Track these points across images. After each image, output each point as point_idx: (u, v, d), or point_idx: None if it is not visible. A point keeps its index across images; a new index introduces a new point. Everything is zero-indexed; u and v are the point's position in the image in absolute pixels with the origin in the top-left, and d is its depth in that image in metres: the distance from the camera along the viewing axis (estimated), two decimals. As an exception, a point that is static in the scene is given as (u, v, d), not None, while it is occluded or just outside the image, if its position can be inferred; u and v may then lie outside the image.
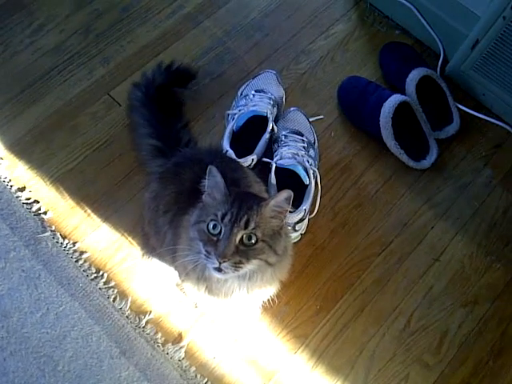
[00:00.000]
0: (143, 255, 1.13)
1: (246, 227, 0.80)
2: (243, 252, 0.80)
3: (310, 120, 1.34)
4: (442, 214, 1.30)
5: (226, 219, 0.80)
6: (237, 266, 0.80)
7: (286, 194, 0.81)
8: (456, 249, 1.26)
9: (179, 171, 1.00)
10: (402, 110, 1.30)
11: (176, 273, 1.00)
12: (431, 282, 1.23)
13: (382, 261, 1.24)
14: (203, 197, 0.85)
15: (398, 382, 1.13)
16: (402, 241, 1.26)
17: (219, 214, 0.80)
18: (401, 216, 1.29)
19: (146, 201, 1.06)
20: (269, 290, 0.90)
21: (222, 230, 0.80)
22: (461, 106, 1.39)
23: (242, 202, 0.82)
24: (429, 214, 1.30)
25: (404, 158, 1.32)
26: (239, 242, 0.80)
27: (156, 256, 1.08)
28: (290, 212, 0.87)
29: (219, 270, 0.80)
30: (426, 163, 1.33)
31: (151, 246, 1.07)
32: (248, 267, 0.82)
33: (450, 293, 1.22)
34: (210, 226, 0.81)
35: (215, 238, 0.80)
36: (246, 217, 0.80)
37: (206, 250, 0.80)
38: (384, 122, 1.30)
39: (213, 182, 0.83)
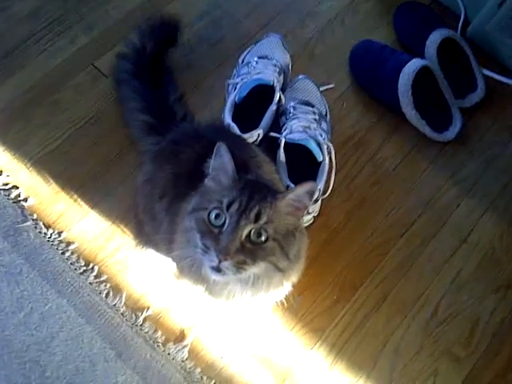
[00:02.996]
0: (137, 245, 1.00)
1: (256, 220, 0.67)
2: (249, 251, 0.67)
3: (320, 89, 1.20)
4: (467, 190, 1.18)
5: (233, 208, 0.67)
6: (240, 266, 0.67)
7: (309, 186, 0.68)
8: (484, 229, 1.15)
9: (177, 150, 0.87)
10: (421, 76, 1.17)
11: (174, 264, 0.87)
12: (459, 265, 1.11)
13: (404, 244, 1.12)
14: (206, 180, 0.73)
15: (427, 377, 1.02)
16: (425, 221, 1.15)
17: (225, 202, 0.68)
18: (423, 194, 1.17)
19: (139, 184, 0.93)
20: (278, 293, 0.78)
21: (227, 221, 0.67)
22: (486, 71, 1.26)
23: (254, 190, 0.69)
24: (453, 190, 1.18)
25: (425, 129, 1.20)
26: (246, 237, 0.67)
27: (151, 246, 0.95)
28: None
29: (218, 269, 0.67)
30: (450, 135, 1.20)
31: (146, 234, 0.94)
32: (253, 270, 0.69)
33: (479, 277, 1.11)
34: (212, 215, 0.68)
35: (217, 231, 0.67)
36: (257, 208, 0.67)
37: (204, 244, 0.68)
38: (403, 89, 1.17)
39: (219, 163, 0.70)
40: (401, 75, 1.17)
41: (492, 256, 1.13)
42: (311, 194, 0.69)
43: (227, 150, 0.69)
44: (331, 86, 1.25)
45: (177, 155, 0.85)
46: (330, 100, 1.23)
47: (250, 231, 0.67)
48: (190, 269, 0.76)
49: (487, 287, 1.10)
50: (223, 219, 0.67)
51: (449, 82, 1.22)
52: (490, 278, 1.11)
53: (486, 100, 1.24)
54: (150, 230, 0.91)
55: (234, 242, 0.66)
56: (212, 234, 0.67)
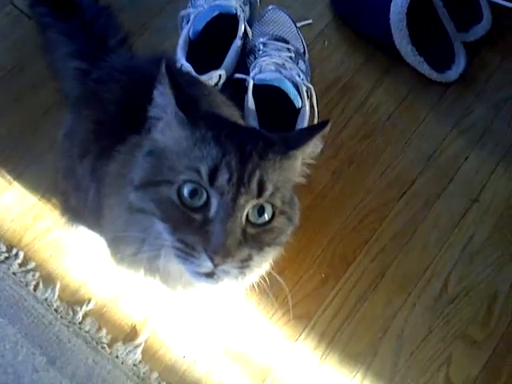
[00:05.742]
0: (65, 222, 0.78)
1: (259, 193, 0.46)
2: (253, 238, 0.47)
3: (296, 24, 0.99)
4: (476, 140, 1.00)
5: (222, 179, 0.45)
6: (244, 265, 0.47)
7: (327, 128, 0.52)
8: (498, 184, 0.97)
9: (100, 89, 0.65)
10: (417, 4, 0.97)
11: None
12: (470, 230, 0.93)
13: (404, 207, 0.94)
14: (154, 133, 0.50)
15: (438, 365, 0.84)
16: (427, 179, 0.96)
17: (204, 170, 0.45)
18: (424, 147, 0.99)
19: (59, 142, 0.72)
20: (261, 268, 0.57)
21: (214, 201, 0.45)
22: (492, -2, 1.07)
23: (242, 140, 0.47)
24: (460, 141, 1.00)
25: (424, 68, 1.00)
26: (245, 220, 0.46)
27: (82, 223, 0.74)
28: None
29: (211, 275, 0.46)
30: (453, 74, 1.01)
31: (73, 208, 0.73)
32: (256, 264, 0.49)
33: (495, 242, 0.93)
34: (185, 191, 0.46)
35: (199, 217, 0.46)
36: (257, 173, 0.46)
37: (183, 242, 0.46)
38: (396, 20, 0.97)
39: (166, 100, 0.49)
40: (392, 3, 0.98)
41: (509, 216, 0.95)
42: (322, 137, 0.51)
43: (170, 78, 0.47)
44: (309, 21, 1.05)
45: (99, 96, 0.63)
46: (307, 39, 1.03)
47: (248, 211, 0.46)
48: (132, 258, 0.56)
49: (505, 254, 0.92)
50: (204, 197, 0.46)
51: (449, 11, 1.02)
52: (507, 243, 0.93)
53: (494, 33, 1.06)
54: (75, 202, 0.70)
55: (233, 234, 0.45)
56: (191, 222, 0.46)
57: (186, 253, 0.46)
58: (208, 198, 0.46)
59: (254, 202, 0.46)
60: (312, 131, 0.51)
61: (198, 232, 0.45)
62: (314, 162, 0.53)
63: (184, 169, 0.46)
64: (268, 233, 0.49)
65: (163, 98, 0.49)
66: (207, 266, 0.45)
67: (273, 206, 0.48)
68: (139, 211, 0.50)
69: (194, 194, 0.46)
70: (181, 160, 0.47)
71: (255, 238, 0.47)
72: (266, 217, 0.48)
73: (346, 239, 0.90)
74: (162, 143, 0.50)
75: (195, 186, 0.46)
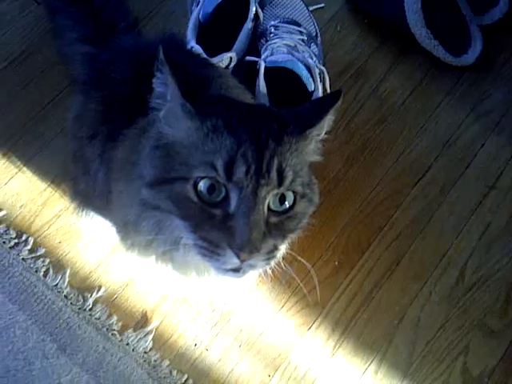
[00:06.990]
0: (75, 208, 0.77)
1: (280, 182, 0.44)
2: (276, 227, 0.46)
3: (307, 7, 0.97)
4: (493, 125, 0.97)
5: (239, 172, 0.43)
6: (270, 256, 0.45)
7: (339, 99, 0.49)
8: (516, 171, 0.94)
9: (109, 70, 0.63)
10: (433, -15, 0.95)
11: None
12: (488, 217, 0.91)
13: (420, 193, 0.92)
14: (159, 126, 0.48)
15: (455, 356, 0.82)
16: (443, 165, 0.94)
17: (219, 164, 0.43)
18: (439, 132, 0.96)
19: (68, 125, 0.71)
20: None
21: (233, 196, 0.43)
22: (510, -21, 1.04)
23: (257, 123, 0.45)
24: (476, 126, 0.97)
25: (439, 51, 0.97)
26: (268, 211, 0.45)
27: (92, 208, 0.72)
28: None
29: (237, 269, 0.45)
30: (469, 58, 0.99)
31: (82, 193, 0.71)
32: (280, 252, 0.48)
33: (513, 230, 0.90)
34: (202, 187, 0.44)
35: (219, 212, 0.44)
36: (276, 160, 0.44)
37: (206, 240, 0.45)
38: (410, 2, 0.95)
39: (168, 89, 0.46)
40: (407, -15, 0.95)
41: (527, 204, 0.92)
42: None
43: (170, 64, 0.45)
44: (321, 5, 1.02)
45: (108, 77, 0.62)
46: (320, 23, 1.00)
47: (269, 200, 0.45)
48: (146, 247, 0.55)
49: (524, 242, 0.90)
50: (222, 192, 0.44)
51: (465, -6, 1.00)
52: (526, 231, 0.90)
53: (511, 15, 1.01)
54: (84, 186, 0.68)
55: (257, 228, 0.43)
56: (212, 218, 0.44)
57: (211, 251, 0.44)
58: (227, 192, 0.44)
59: (275, 191, 0.45)
60: (325, 105, 0.49)
61: (221, 228, 0.44)
62: (327, 136, 0.51)
63: (198, 164, 0.44)
64: (291, 219, 0.47)
65: (165, 87, 0.47)
66: (233, 262, 0.44)
67: (294, 191, 0.46)
68: (154, 208, 0.48)
69: (211, 189, 0.44)
70: (193, 154, 0.45)
71: (278, 226, 0.46)
72: (287, 204, 0.46)
73: (360, 226, 0.88)
74: (171, 136, 0.47)
75: (212, 181, 0.44)
